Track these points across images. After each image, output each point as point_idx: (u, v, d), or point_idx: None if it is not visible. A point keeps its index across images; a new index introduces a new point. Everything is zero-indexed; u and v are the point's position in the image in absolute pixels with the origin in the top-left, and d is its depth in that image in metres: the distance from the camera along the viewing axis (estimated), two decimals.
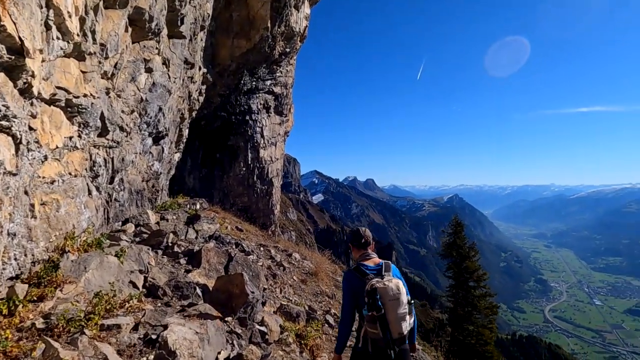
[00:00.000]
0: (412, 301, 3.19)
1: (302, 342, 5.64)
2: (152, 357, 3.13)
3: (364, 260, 3.32)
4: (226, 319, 4.46)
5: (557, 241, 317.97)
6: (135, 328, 3.56)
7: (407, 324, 3.06)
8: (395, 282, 3.04)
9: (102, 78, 5.82)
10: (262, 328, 4.89)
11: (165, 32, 8.32)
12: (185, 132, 12.77)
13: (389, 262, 3.31)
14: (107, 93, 6.08)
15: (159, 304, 4.53)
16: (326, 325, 7.01)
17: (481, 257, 21.10)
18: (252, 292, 4.77)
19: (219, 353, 3.74)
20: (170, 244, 7.14)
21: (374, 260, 3.32)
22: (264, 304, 5.91)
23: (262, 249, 11.13)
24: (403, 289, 3.05)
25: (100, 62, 5.51)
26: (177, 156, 12.70)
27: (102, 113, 5.74)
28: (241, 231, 12.89)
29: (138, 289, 4.67)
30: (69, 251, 4.49)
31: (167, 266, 6.22)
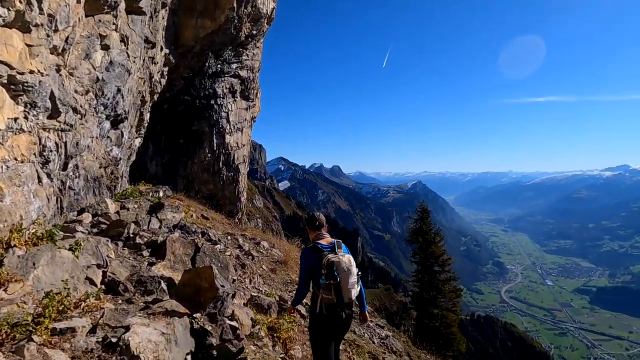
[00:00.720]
0: (359, 273, 3.84)
1: (275, 335, 5.44)
2: None
3: (320, 239, 3.95)
4: (195, 315, 4.17)
5: (513, 226, 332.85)
6: (93, 331, 3.21)
7: (356, 291, 3.78)
8: (347, 257, 3.73)
9: (52, 54, 5.27)
10: (233, 323, 4.63)
11: (123, 6, 7.70)
12: (147, 117, 12.08)
13: (340, 241, 3.93)
14: (58, 71, 5.52)
15: (120, 302, 4.17)
16: (298, 316, 6.84)
17: (444, 242, 21.61)
18: (223, 287, 4.49)
19: (188, 354, 3.46)
20: (132, 235, 6.69)
21: (328, 239, 3.96)
22: (234, 296, 5.65)
23: (229, 238, 10.78)
24: (353, 263, 3.75)
25: (49, 36, 4.96)
26: (138, 142, 12.02)
27: (52, 92, 5.21)
28: (207, 220, 12.44)
29: (96, 286, 4.28)
30: (15, 246, 4.05)
31: (129, 259, 5.81)
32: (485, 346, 71.92)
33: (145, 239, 6.70)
